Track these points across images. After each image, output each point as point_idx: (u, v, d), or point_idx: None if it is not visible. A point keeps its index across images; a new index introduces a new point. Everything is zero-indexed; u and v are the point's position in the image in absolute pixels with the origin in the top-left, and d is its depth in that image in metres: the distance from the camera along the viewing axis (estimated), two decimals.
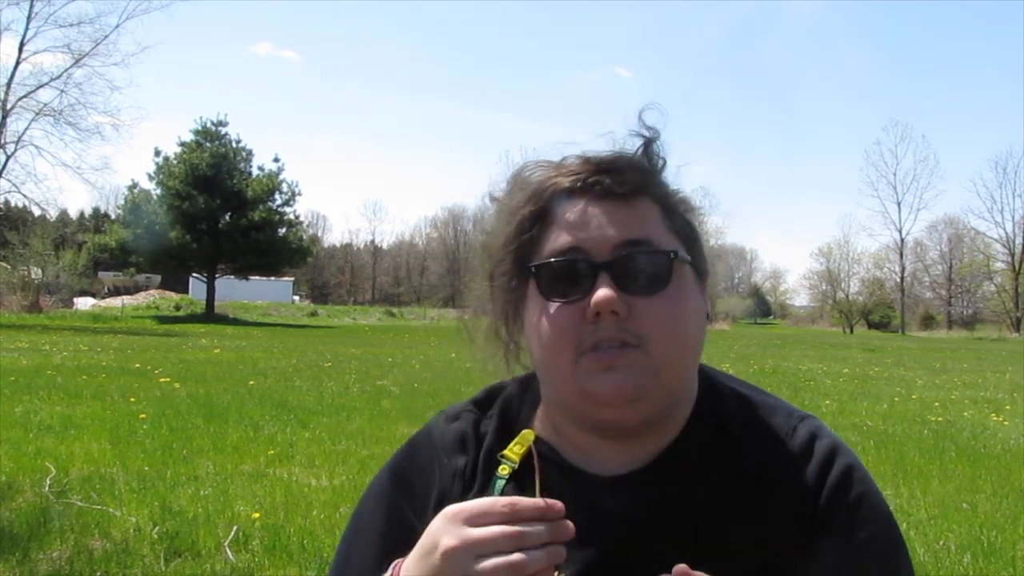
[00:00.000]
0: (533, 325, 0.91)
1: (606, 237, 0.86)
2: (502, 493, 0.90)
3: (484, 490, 0.94)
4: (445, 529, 0.75)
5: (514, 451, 0.92)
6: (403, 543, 0.89)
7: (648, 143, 0.94)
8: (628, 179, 0.88)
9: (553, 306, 0.87)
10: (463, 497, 0.92)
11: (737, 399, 0.97)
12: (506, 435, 0.96)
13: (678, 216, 0.92)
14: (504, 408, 1.01)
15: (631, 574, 0.83)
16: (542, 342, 0.89)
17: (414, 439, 1.04)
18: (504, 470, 0.92)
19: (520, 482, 0.90)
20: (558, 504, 0.75)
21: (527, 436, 0.92)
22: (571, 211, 0.88)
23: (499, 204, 0.96)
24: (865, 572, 0.86)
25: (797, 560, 0.86)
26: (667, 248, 0.88)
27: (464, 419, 1.01)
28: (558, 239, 0.88)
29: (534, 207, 0.90)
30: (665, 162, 0.95)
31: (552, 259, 0.88)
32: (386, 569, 0.86)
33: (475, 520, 0.74)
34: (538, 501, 0.75)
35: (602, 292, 0.84)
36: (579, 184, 0.88)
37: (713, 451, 0.91)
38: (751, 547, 0.86)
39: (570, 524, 0.74)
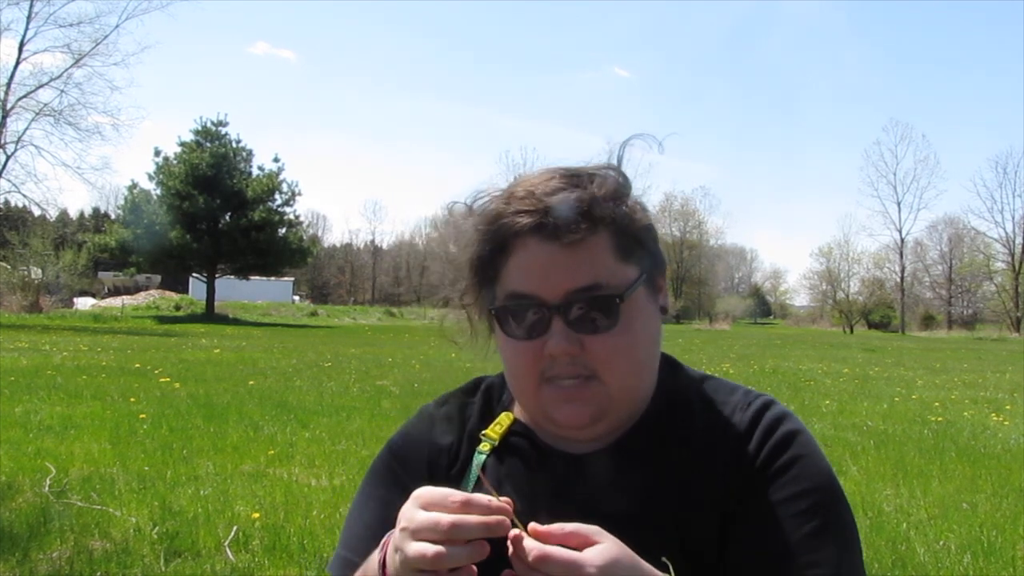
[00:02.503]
0: (500, 349, 1.00)
1: (557, 282, 0.93)
2: (483, 467, 1.02)
3: (468, 464, 1.05)
4: (406, 508, 0.84)
5: (494, 431, 1.05)
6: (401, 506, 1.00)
7: (605, 179, 0.96)
8: (575, 224, 0.92)
9: (513, 343, 0.96)
10: (449, 470, 1.06)
11: (700, 381, 1.05)
12: (488, 417, 1.09)
13: (630, 236, 0.96)
14: (487, 394, 1.12)
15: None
16: (508, 369, 1.01)
17: (408, 422, 1.16)
18: (485, 447, 1.04)
19: (499, 457, 1.03)
20: (503, 507, 0.80)
21: (506, 418, 1.06)
22: (524, 254, 0.94)
23: (457, 229, 1.02)
24: (793, 525, 0.91)
25: (739, 514, 0.93)
26: (615, 288, 0.94)
27: (451, 403, 1.13)
28: (513, 282, 0.95)
29: (490, 246, 0.95)
30: (625, 185, 0.98)
31: (508, 303, 0.96)
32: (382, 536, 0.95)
33: (428, 506, 0.81)
34: (487, 501, 0.80)
35: (556, 341, 0.92)
36: (529, 228, 0.92)
37: (671, 426, 0.99)
38: (704, 508, 0.93)
39: (507, 523, 0.80)
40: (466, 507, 0.79)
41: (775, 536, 0.91)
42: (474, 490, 0.99)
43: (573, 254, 0.92)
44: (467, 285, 1.01)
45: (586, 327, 0.93)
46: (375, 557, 0.93)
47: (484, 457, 1.03)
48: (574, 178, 0.95)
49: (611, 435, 1.00)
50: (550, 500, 0.97)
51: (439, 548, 0.77)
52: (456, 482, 1.03)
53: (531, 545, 0.78)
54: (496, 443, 1.04)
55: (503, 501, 0.81)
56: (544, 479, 1.00)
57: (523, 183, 0.96)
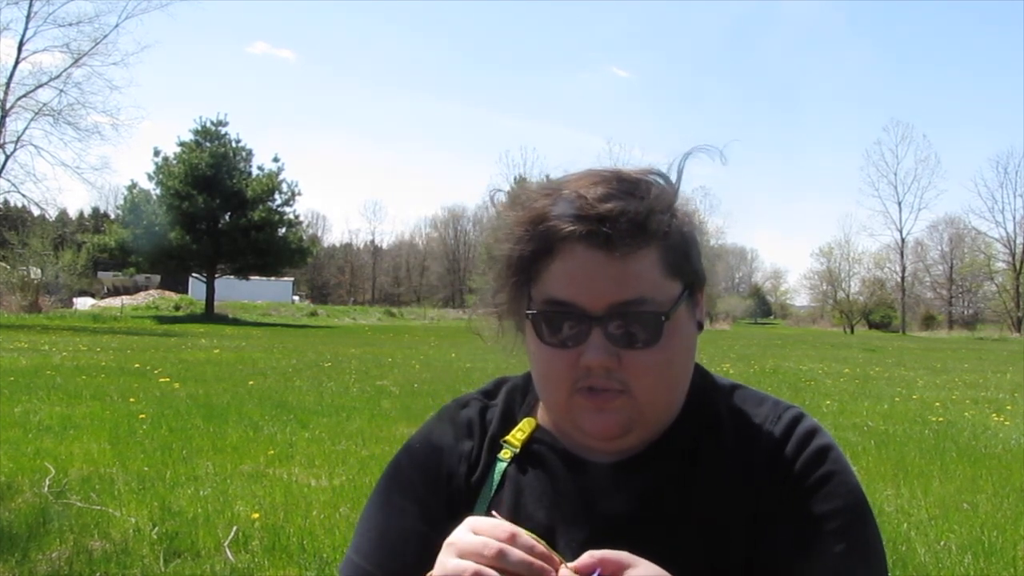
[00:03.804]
0: (531, 353, 0.96)
1: (601, 294, 0.89)
2: (503, 475, 0.99)
3: (488, 471, 1.01)
4: (457, 531, 0.82)
5: (516, 437, 1.01)
6: (418, 513, 1.00)
7: (661, 191, 0.92)
8: (627, 234, 0.88)
9: (548, 350, 0.92)
10: (469, 477, 1.02)
11: (729, 391, 1.03)
12: (509, 422, 1.05)
13: (678, 251, 0.92)
14: (509, 397, 1.08)
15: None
16: (538, 374, 0.96)
17: (427, 424, 1.11)
18: (506, 454, 1.01)
19: (520, 465, 1.00)
20: (547, 554, 0.79)
21: (528, 424, 1.02)
22: (570, 260, 0.89)
23: (499, 221, 0.98)
24: (825, 543, 0.90)
25: (769, 529, 0.92)
26: (660, 305, 0.90)
27: (472, 406, 1.08)
28: (554, 288, 0.91)
29: (532, 247, 0.91)
30: (677, 197, 0.95)
31: (547, 309, 0.91)
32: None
33: (478, 531, 0.80)
34: (531, 541, 0.79)
35: (594, 353, 0.89)
36: (578, 234, 0.88)
37: (701, 438, 0.97)
38: (733, 521, 0.92)
39: (549, 570, 0.78)
40: (512, 539, 0.78)
41: (805, 554, 0.90)
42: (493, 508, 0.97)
43: (621, 266, 0.88)
44: (501, 283, 0.96)
45: (626, 341, 0.90)
46: None
47: (505, 465, 1.00)
48: (627, 184, 0.91)
49: (638, 446, 0.97)
50: (573, 510, 0.96)
51: (478, 567, 0.77)
52: (476, 490, 1.01)
53: None
54: (518, 451, 1.01)
55: (543, 545, 0.79)
56: (567, 489, 0.97)
57: (571, 183, 0.92)
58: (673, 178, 0.95)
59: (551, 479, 0.98)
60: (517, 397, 1.07)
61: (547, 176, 1.01)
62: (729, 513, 0.92)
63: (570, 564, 0.77)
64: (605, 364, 0.89)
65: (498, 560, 0.77)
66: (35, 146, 32.53)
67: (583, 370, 0.90)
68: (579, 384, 0.91)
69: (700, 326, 0.99)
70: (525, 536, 0.79)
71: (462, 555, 0.78)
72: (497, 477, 1.00)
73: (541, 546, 0.79)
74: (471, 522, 0.82)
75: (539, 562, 0.77)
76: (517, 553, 0.77)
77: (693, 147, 0.97)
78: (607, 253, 0.88)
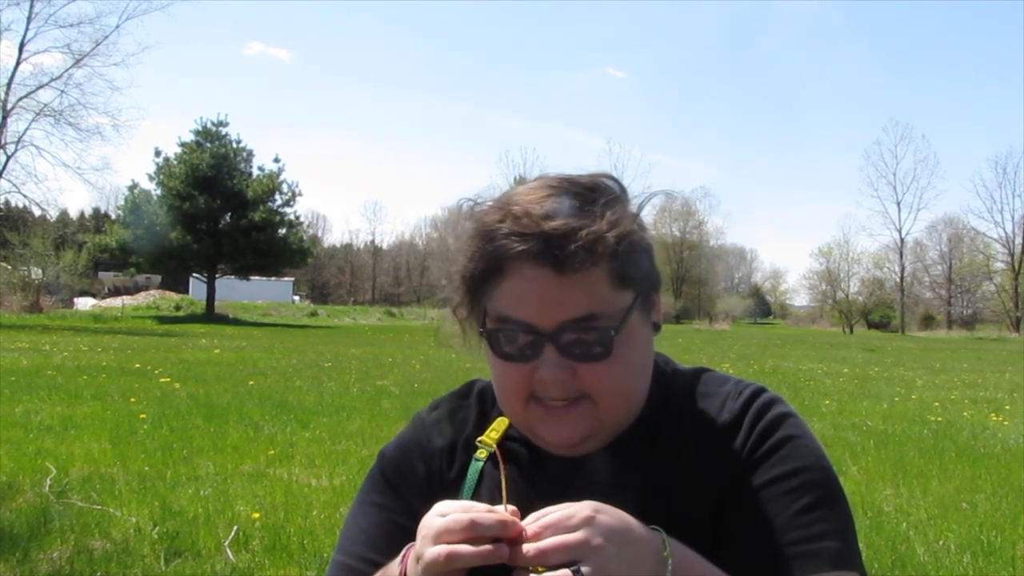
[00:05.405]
0: (490, 364, 0.98)
1: (551, 312, 0.90)
2: (480, 474, 1.02)
3: (463, 471, 1.04)
4: (427, 517, 0.84)
5: (490, 436, 1.04)
6: (398, 507, 1.04)
7: (611, 211, 0.92)
8: (575, 257, 0.88)
9: (503, 364, 0.95)
10: (447, 474, 1.05)
11: (695, 376, 1.05)
12: (483, 422, 1.08)
13: (627, 260, 0.91)
14: (480, 398, 1.11)
15: None
16: (496, 385, 1.00)
17: (402, 431, 1.14)
18: (482, 454, 1.04)
19: (496, 463, 1.01)
20: (514, 521, 0.81)
21: (501, 423, 1.05)
22: (519, 279, 0.90)
23: (457, 232, 0.99)
24: (780, 507, 0.91)
25: (733, 499, 0.93)
26: (611, 319, 0.91)
27: (443, 408, 1.12)
28: (505, 306, 0.92)
29: (483, 266, 0.92)
30: (628, 209, 0.95)
31: (499, 327, 0.93)
32: (400, 551, 0.94)
33: (447, 513, 0.82)
34: (497, 517, 0.81)
35: (548, 368, 0.91)
36: (528, 255, 0.89)
37: (665, 425, 1.00)
38: (699, 496, 0.94)
39: (519, 524, 0.80)
40: (476, 528, 0.80)
41: (765, 516, 0.91)
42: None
43: (570, 285, 0.89)
44: (460, 298, 0.98)
45: (579, 355, 0.91)
46: (394, 567, 0.92)
47: (481, 464, 1.03)
48: (577, 198, 0.91)
49: (607, 438, 0.99)
50: (544, 503, 0.96)
51: (451, 547, 0.78)
52: (455, 487, 1.03)
53: (527, 547, 0.78)
54: (493, 449, 1.03)
55: (510, 510, 0.82)
56: (541, 483, 0.99)
57: (521, 198, 0.92)
58: (634, 186, 0.97)
59: (525, 475, 1.01)
60: (488, 397, 1.09)
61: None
62: (696, 494, 0.94)
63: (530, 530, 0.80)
64: (559, 378, 0.91)
65: (473, 530, 0.78)
66: (36, 147, 32.69)
67: (539, 382, 0.92)
68: (535, 394, 0.93)
69: (656, 327, 1.00)
70: (479, 506, 0.82)
71: (438, 540, 0.79)
72: (474, 476, 1.03)
73: (500, 509, 0.82)
74: (439, 506, 0.84)
75: (510, 517, 0.80)
76: (488, 517, 0.79)
77: (657, 191, 1.00)
78: (555, 271, 0.89)
